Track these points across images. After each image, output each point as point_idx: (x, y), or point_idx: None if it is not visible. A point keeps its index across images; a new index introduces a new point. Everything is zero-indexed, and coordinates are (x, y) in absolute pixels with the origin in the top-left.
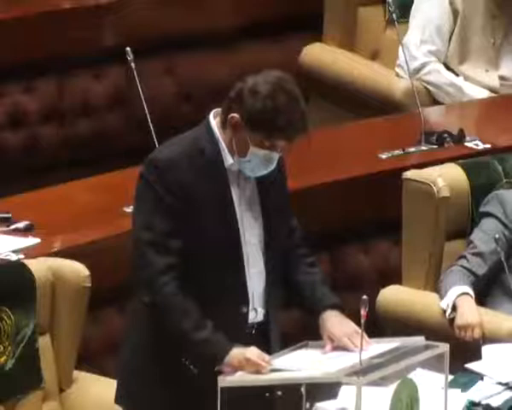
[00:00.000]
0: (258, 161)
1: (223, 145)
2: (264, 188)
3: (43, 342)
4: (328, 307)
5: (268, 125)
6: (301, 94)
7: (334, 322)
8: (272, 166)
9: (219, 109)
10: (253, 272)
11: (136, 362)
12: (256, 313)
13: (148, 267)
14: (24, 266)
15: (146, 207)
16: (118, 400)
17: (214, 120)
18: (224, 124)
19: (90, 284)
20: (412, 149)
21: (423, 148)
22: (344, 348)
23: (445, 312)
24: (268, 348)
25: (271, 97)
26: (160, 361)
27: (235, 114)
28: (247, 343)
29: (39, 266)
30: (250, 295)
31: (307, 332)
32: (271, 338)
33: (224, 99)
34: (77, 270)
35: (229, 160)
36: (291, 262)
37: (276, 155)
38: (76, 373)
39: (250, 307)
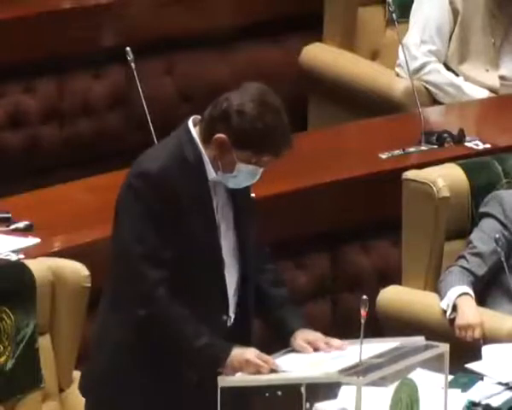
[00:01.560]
0: (244, 177)
1: (205, 158)
2: (236, 196)
3: (43, 342)
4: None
5: (257, 145)
6: (282, 104)
7: (307, 331)
8: (256, 179)
9: (198, 117)
10: (229, 277)
11: (132, 375)
12: (230, 320)
13: (142, 281)
14: (24, 266)
15: (136, 219)
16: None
17: (194, 128)
18: (206, 139)
19: (89, 284)
20: (412, 149)
21: (423, 148)
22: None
23: (445, 312)
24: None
25: (259, 118)
26: (160, 374)
27: (222, 135)
28: None
29: (39, 266)
30: (229, 303)
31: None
32: (245, 339)
33: (206, 115)
34: (77, 270)
35: (212, 173)
36: (260, 274)
37: (261, 170)
38: (76, 373)
39: (229, 314)
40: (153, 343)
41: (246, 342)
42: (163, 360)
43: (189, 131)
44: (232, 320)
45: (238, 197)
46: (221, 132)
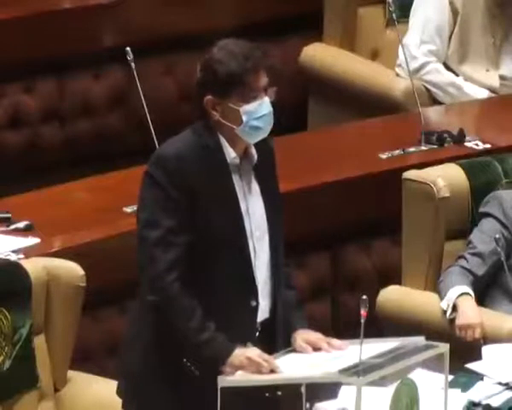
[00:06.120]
0: (255, 118)
1: (223, 141)
2: (262, 178)
3: (38, 341)
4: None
5: (231, 76)
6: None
7: (307, 332)
8: (268, 114)
9: None
10: (258, 263)
11: (144, 361)
12: (262, 308)
13: (152, 266)
14: (19, 266)
15: (151, 204)
16: (123, 399)
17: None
18: (206, 115)
19: (84, 284)
20: (412, 149)
21: (423, 148)
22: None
23: (445, 312)
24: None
25: (220, 57)
26: (166, 361)
27: (206, 97)
28: (254, 344)
29: (34, 266)
30: (258, 288)
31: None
32: (277, 342)
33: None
34: (72, 269)
35: (231, 154)
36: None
37: (265, 99)
38: (70, 373)
39: (259, 300)
40: (163, 330)
41: (273, 338)
42: (172, 347)
43: (204, 120)
44: (268, 311)
45: (266, 181)
46: (205, 97)
